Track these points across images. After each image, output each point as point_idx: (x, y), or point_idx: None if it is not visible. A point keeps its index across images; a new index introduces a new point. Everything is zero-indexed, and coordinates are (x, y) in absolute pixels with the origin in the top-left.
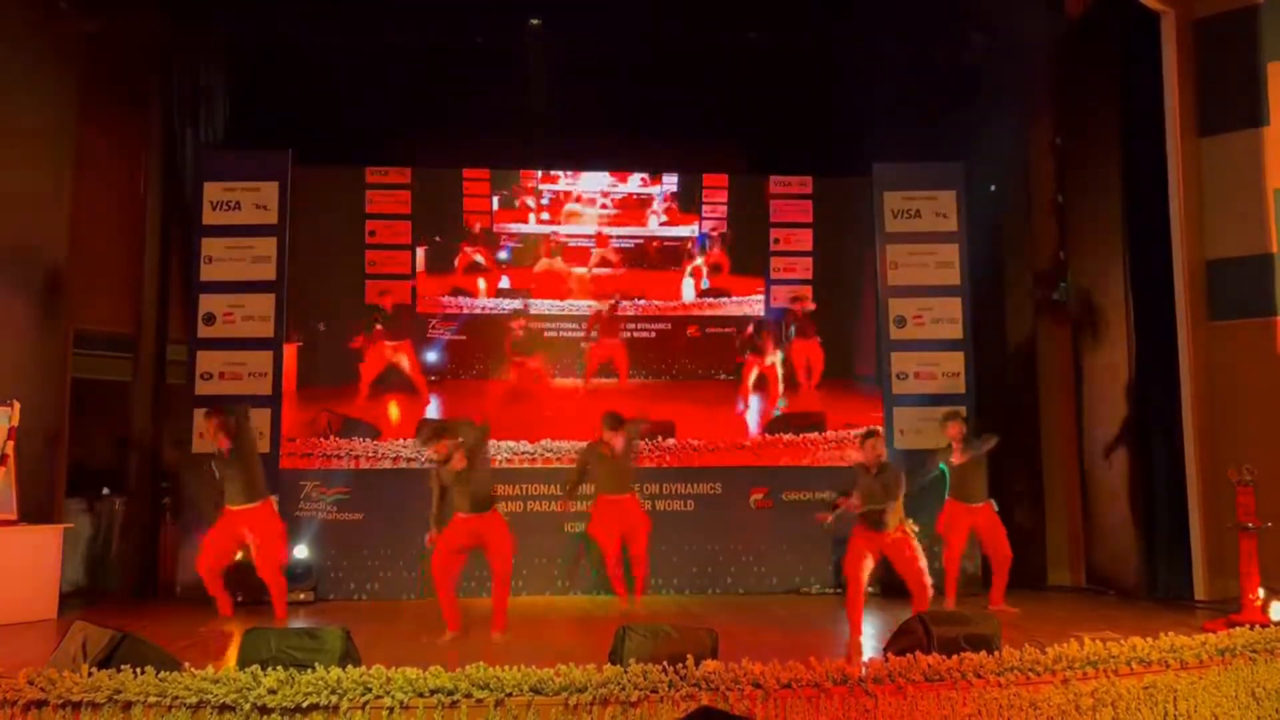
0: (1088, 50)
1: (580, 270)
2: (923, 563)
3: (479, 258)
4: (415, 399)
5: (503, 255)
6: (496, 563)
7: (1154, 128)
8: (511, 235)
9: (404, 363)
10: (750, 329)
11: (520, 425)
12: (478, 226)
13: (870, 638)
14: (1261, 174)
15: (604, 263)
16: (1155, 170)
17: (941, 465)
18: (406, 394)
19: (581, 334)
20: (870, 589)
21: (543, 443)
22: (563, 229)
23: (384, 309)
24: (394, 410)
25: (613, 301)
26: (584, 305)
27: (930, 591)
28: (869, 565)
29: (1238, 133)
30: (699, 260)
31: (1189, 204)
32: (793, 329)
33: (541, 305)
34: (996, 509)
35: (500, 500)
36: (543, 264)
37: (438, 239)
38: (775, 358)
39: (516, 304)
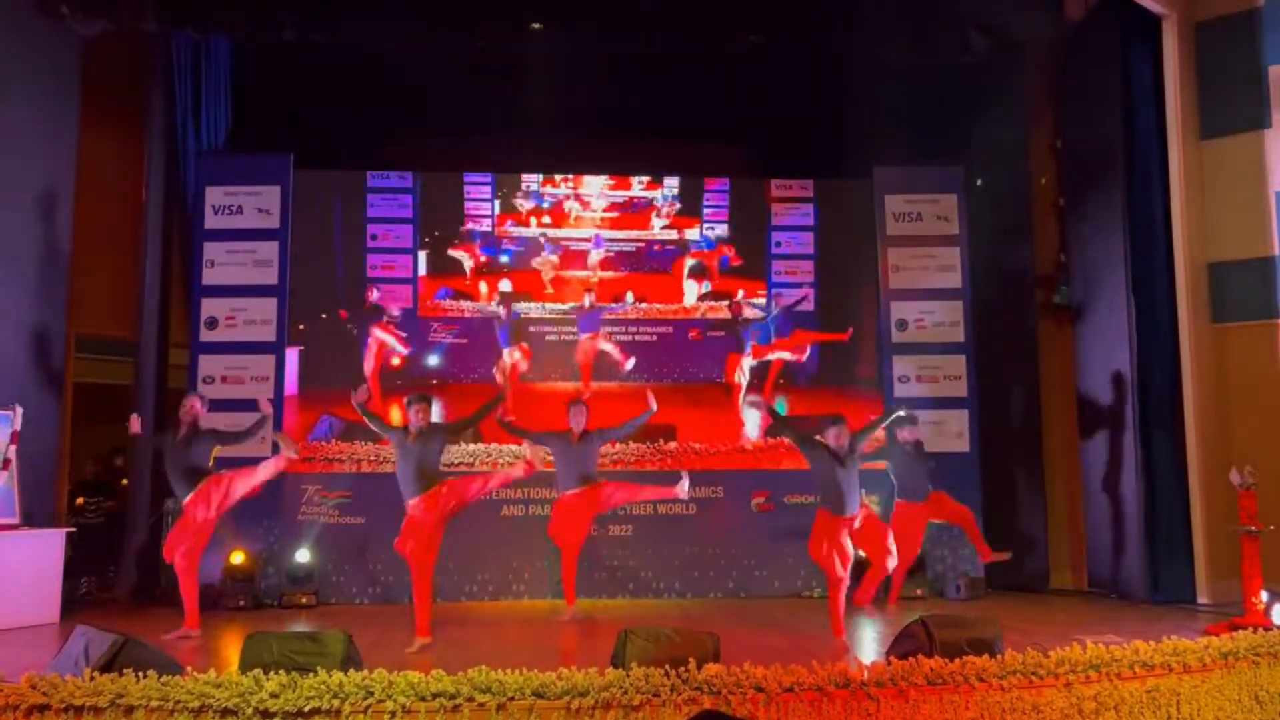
0: (1089, 53)
1: (583, 274)
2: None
3: (504, 258)
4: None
5: (504, 259)
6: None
7: (1155, 131)
8: (513, 239)
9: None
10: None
11: (522, 427)
12: (481, 228)
13: (872, 641)
14: (1263, 177)
15: (606, 265)
16: (1157, 173)
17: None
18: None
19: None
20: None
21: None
22: (565, 232)
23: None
24: (396, 414)
25: (590, 301)
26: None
27: (892, 555)
28: (846, 549)
29: (1239, 135)
30: (697, 261)
31: (1190, 207)
32: (775, 326)
33: (543, 309)
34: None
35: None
36: (544, 261)
37: (436, 233)
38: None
39: (519, 308)
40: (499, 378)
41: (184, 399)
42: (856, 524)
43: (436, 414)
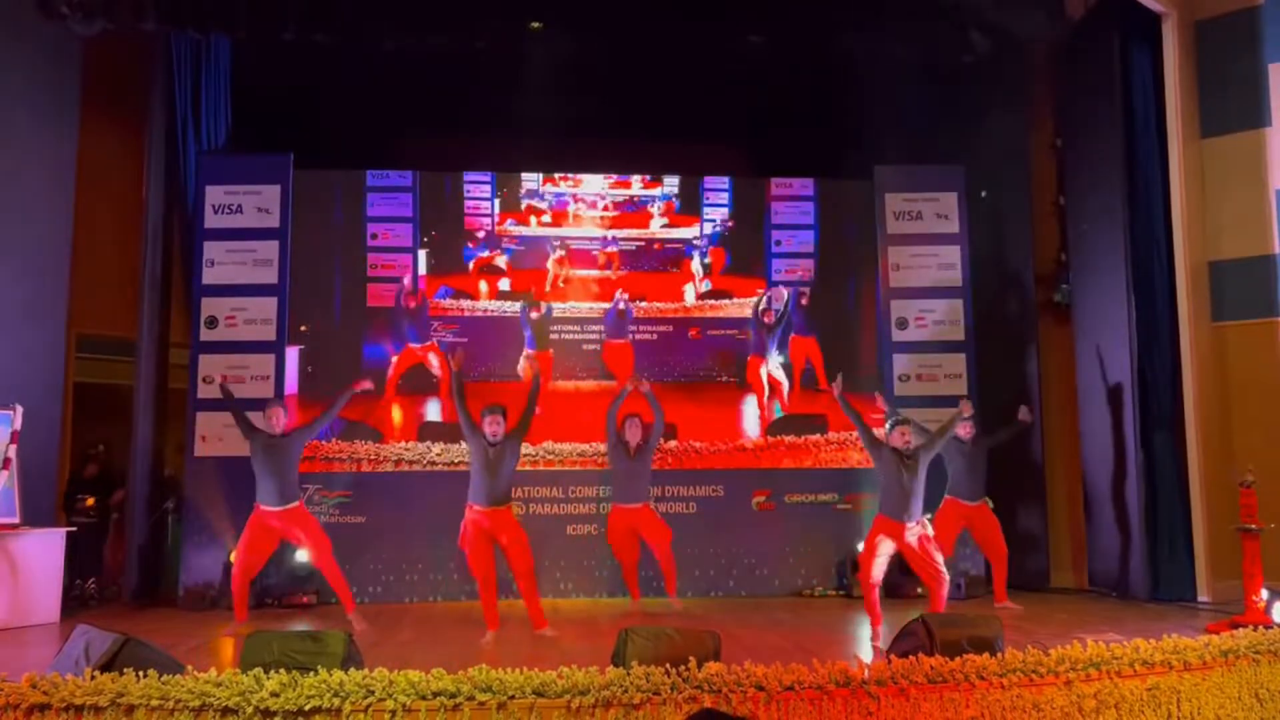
0: (1089, 51)
1: (586, 273)
2: (939, 557)
3: (500, 261)
4: (423, 401)
5: (504, 259)
6: (519, 561)
7: (1155, 129)
8: (514, 238)
9: (433, 361)
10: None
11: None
12: (486, 229)
13: (871, 640)
14: (1263, 175)
15: (608, 264)
16: (1157, 171)
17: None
18: (424, 396)
19: (584, 337)
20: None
21: (544, 445)
22: (566, 231)
23: (408, 308)
24: (397, 413)
25: (621, 304)
26: (585, 307)
27: (946, 580)
28: (886, 553)
29: (1239, 134)
30: (703, 260)
31: (1191, 205)
32: (792, 324)
33: (542, 308)
34: (992, 507)
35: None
36: (551, 264)
37: (433, 234)
38: (777, 360)
39: (518, 307)
40: (525, 371)
41: (268, 410)
42: (909, 536)
43: (435, 417)
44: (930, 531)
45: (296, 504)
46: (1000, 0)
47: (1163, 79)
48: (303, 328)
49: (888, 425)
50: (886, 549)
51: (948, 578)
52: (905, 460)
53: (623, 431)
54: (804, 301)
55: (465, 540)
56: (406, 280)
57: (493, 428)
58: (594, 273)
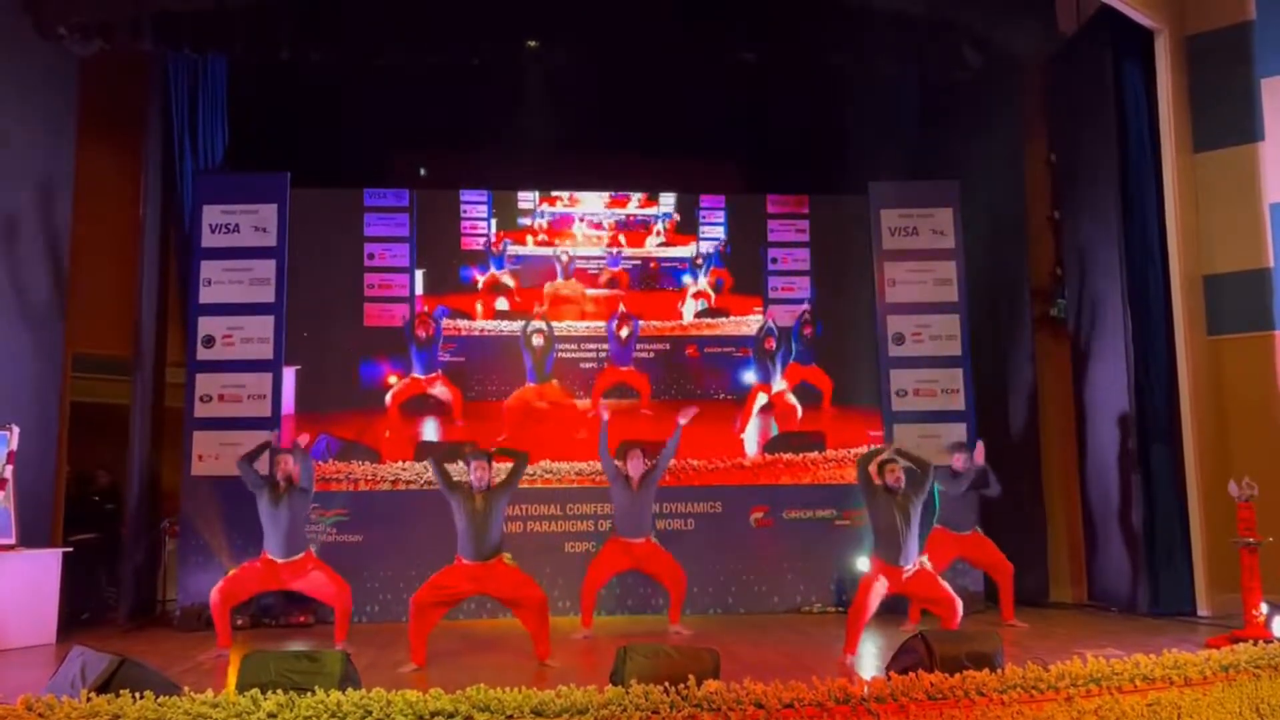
0: (1082, 67)
1: (594, 291)
2: (945, 584)
3: (508, 280)
4: (420, 421)
5: (507, 279)
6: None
7: (1149, 144)
8: (511, 257)
9: (441, 391)
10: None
11: (519, 446)
12: (494, 246)
13: (872, 656)
14: (1256, 189)
15: (611, 283)
16: (1150, 186)
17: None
18: (421, 416)
19: (582, 355)
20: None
21: (542, 464)
22: (563, 250)
23: (419, 338)
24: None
25: (627, 330)
26: (583, 326)
27: (959, 606)
28: (881, 594)
29: (1233, 148)
30: (702, 282)
31: (1185, 219)
32: (794, 351)
33: (541, 326)
34: (981, 532)
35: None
36: (550, 286)
37: (429, 254)
38: (783, 384)
39: (515, 326)
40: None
41: (278, 458)
42: (906, 577)
43: (433, 436)
44: (929, 566)
45: (304, 555)
46: (993, 17)
47: (1155, 94)
48: (305, 334)
49: (879, 458)
50: (881, 590)
51: (959, 601)
52: (897, 500)
53: (624, 465)
54: (806, 331)
55: (435, 586)
56: (422, 311)
57: (478, 473)
58: (603, 291)
